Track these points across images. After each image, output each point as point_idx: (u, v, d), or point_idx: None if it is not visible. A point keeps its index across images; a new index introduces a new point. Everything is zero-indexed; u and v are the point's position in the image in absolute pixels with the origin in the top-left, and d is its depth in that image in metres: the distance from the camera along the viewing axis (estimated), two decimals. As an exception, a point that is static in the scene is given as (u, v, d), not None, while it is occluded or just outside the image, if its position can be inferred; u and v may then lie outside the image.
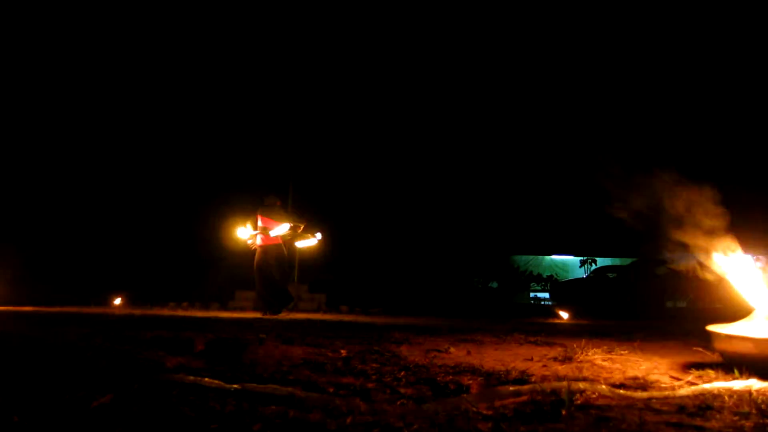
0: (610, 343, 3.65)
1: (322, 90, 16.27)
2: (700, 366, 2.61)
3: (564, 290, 14.43)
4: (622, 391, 1.90)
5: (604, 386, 1.94)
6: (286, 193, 11.53)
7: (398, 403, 1.77)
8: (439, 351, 3.20)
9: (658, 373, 2.48)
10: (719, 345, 2.55)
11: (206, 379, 1.95)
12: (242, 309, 9.47)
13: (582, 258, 20.35)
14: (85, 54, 15.71)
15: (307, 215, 8.14)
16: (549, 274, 20.62)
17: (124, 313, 6.82)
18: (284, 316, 7.13)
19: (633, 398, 1.83)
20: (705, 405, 1.71)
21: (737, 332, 2.48)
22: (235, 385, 1.85)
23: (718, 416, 1.60)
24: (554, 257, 21.98)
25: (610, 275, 14.15)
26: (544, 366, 2.68)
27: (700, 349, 3.06)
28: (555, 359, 2.88)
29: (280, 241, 7.57)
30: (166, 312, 7.84)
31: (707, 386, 1.99)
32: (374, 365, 2.53)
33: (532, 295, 19.59)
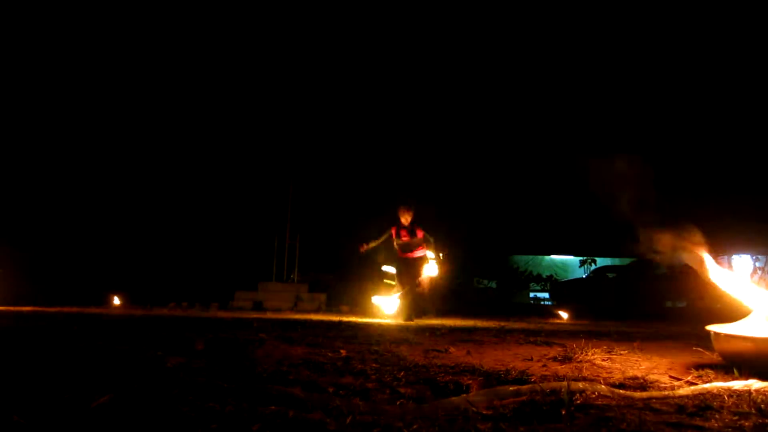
0: (609, 343, 3.66)
1: (319, 91, 16.28)
2: (699, 366, 2.61)
3: (564, 290, 14.42)
4: (621, 391, 1.90)
5: (603, 386, 1.94)
6: (287, 195, 11.50)
7: (398, 403, 1.77)
8: (438, 351, 3.20)
9: (657, 373, 2.48)
10: (719, 345, 2.55)
11: (206, 378, 1.95)
12: (242, 309, 9.46)
13: (582, 258, 20.34)
14: (83, 56, 15.72)
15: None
16: (549, 274, 20.60)
17: (124, 313, 6.82)
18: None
19: (633, 398, 1.83)
20: (704, 405, 1.71)
21: (737, 332, 2.48)
22: (234, 385, 1.84)
23: (717, 416, 1.60)
24: (554, 257, 21.97)
25: (610, 275, 14.15)
26: (544, 366, 2.69)
27: (700, 349, 3.07)
28: (555, 359, 2.88)
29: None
30: (165, 312, 7.83)
31: (707, 386, 1.99)
32: (374, 365, 2.53)
33: (531, 295, 19.58)
